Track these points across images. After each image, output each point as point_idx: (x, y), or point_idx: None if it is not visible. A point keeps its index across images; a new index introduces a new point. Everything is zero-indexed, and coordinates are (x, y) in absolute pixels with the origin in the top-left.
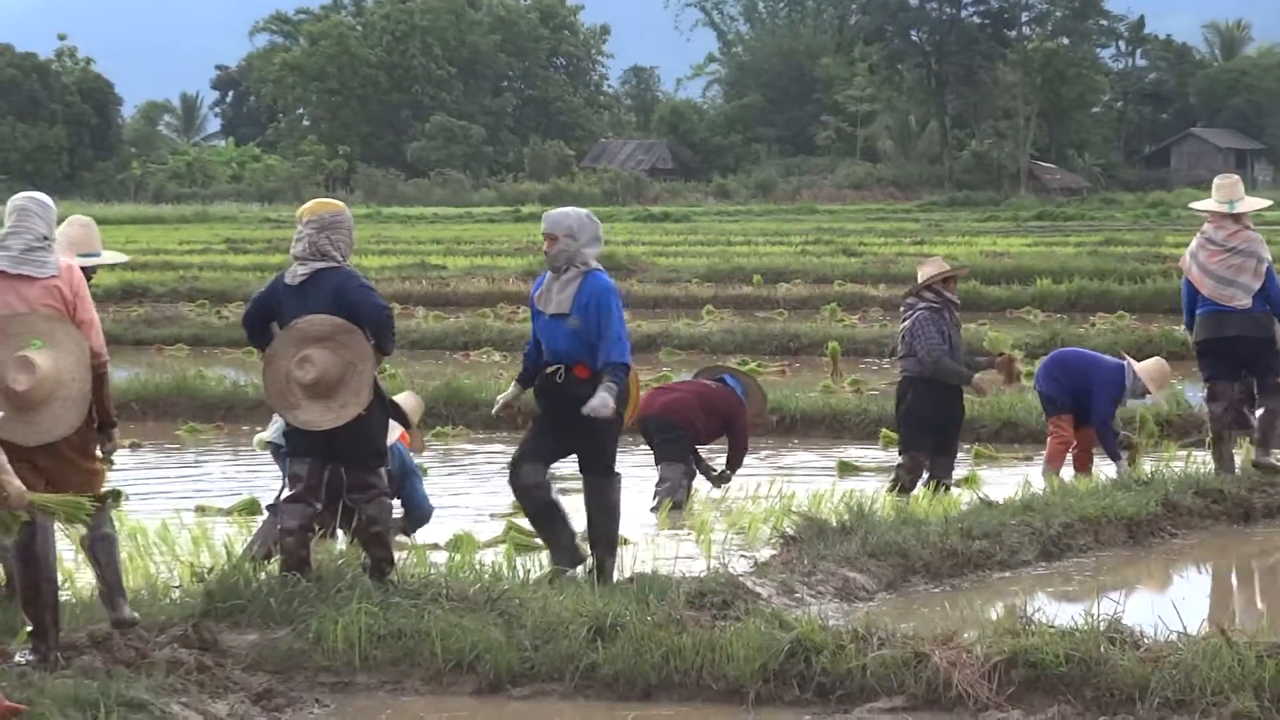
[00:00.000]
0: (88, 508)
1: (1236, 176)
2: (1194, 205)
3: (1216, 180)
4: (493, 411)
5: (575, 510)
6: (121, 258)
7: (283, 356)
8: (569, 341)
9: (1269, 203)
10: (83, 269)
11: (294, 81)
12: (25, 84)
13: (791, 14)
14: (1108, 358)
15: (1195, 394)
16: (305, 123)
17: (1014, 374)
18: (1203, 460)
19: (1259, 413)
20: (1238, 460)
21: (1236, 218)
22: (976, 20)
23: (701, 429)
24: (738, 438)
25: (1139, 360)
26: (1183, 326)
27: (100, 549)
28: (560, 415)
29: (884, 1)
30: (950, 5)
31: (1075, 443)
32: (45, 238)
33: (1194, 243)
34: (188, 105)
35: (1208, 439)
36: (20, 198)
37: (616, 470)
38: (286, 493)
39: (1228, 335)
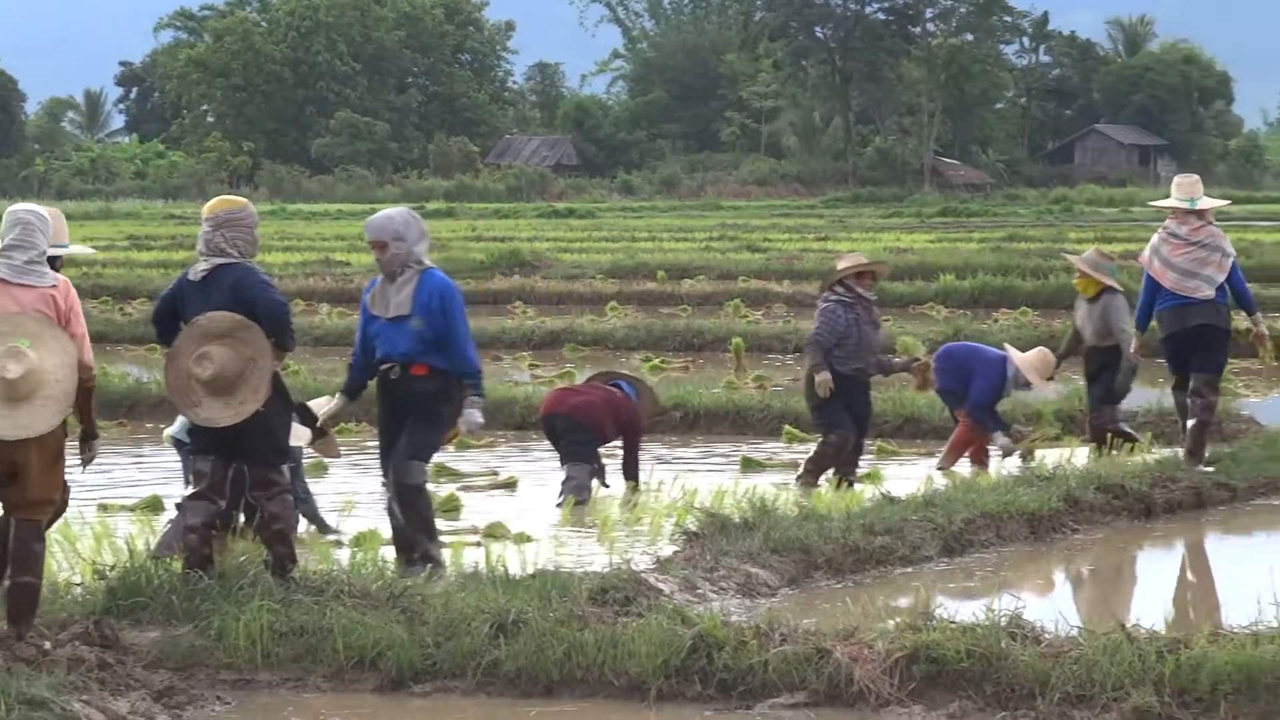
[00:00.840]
0: None
1: (1196, 176)
2: (1156, 202)
3: (1176, 179)
4: (317, 425)
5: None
6: (88, 251)
7: (184, 354)
8: (410, 343)
9: (1227, 201)
10: (49, 259)
11: (198, 78)
12: None
13: (696, 10)
14: (993, 349)
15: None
16: (210, 119)
17: (927, 380)
18: (1097, 455)
19: (1190, 422)
20: (1144, 457)
21: (1200, 213)
22: (881, 17)
23: (608, 433)
24: (634, 440)
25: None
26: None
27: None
28: (397, 410)
29: None
30: (855, 2)
31: (971, 441)
32: (43, 251)
33: (1155, 238)
34: (92, 102)
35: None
36: (23, 211)
37: (421, 462)
38: (190, 490)
39: (1191, 325)
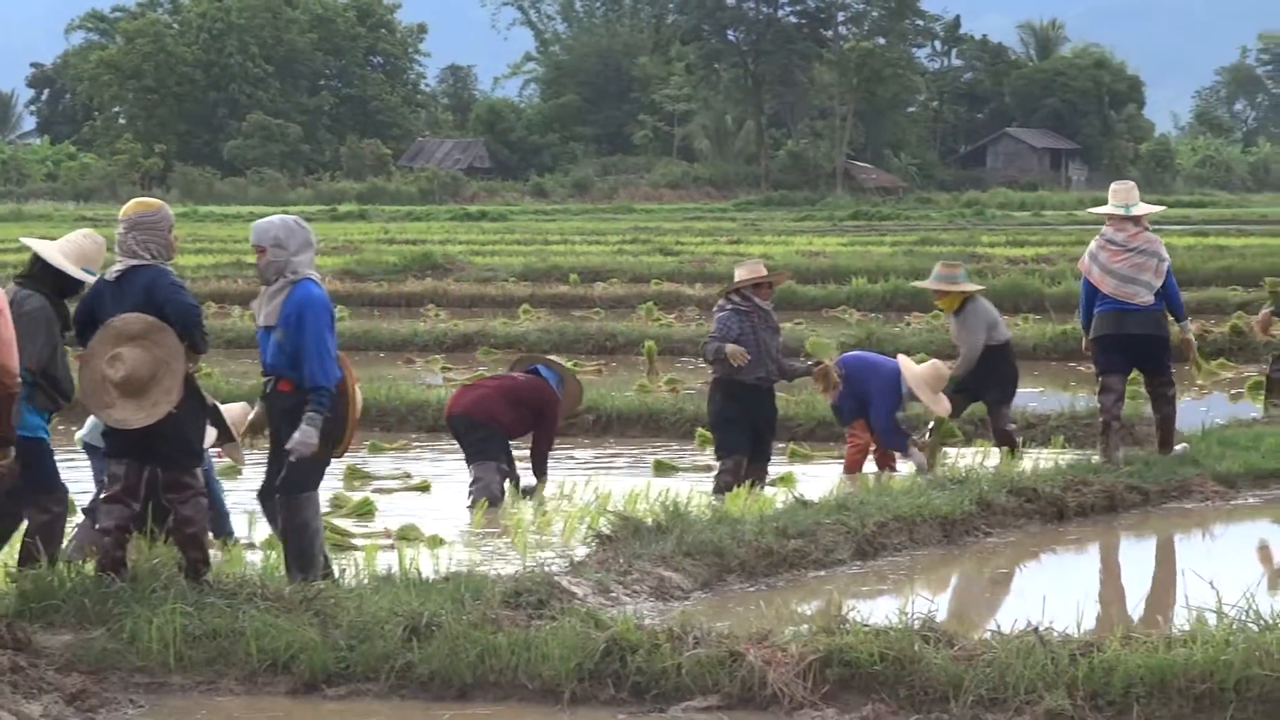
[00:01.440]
0: None
1: (1131, 182)
2: (1094, 209)
3: (1113, 185)
4: (227, 428)
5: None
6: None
7: (97, 355)
8: (275, 354)
9: (1163, 208)
10: (71, 281)
11: (110, 79)
12: None
13: (608, 13)
14: (887, 361)
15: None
16: (121, 121)
17: (831, 382)
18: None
19: (1156, 418)
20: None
21: (1136, 220)
22: (793, 20)
23: (508, 422)
24: (547, 426)
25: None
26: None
27: None
28: (275, 427)
29: (701, 1)
30: (767, 5)
31: (874, 445)
32: None
33: (1093, 244)
34: (1, 103)
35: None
36: None
37: (311, 493)
38: (105, 493)
39: (1128, 332)
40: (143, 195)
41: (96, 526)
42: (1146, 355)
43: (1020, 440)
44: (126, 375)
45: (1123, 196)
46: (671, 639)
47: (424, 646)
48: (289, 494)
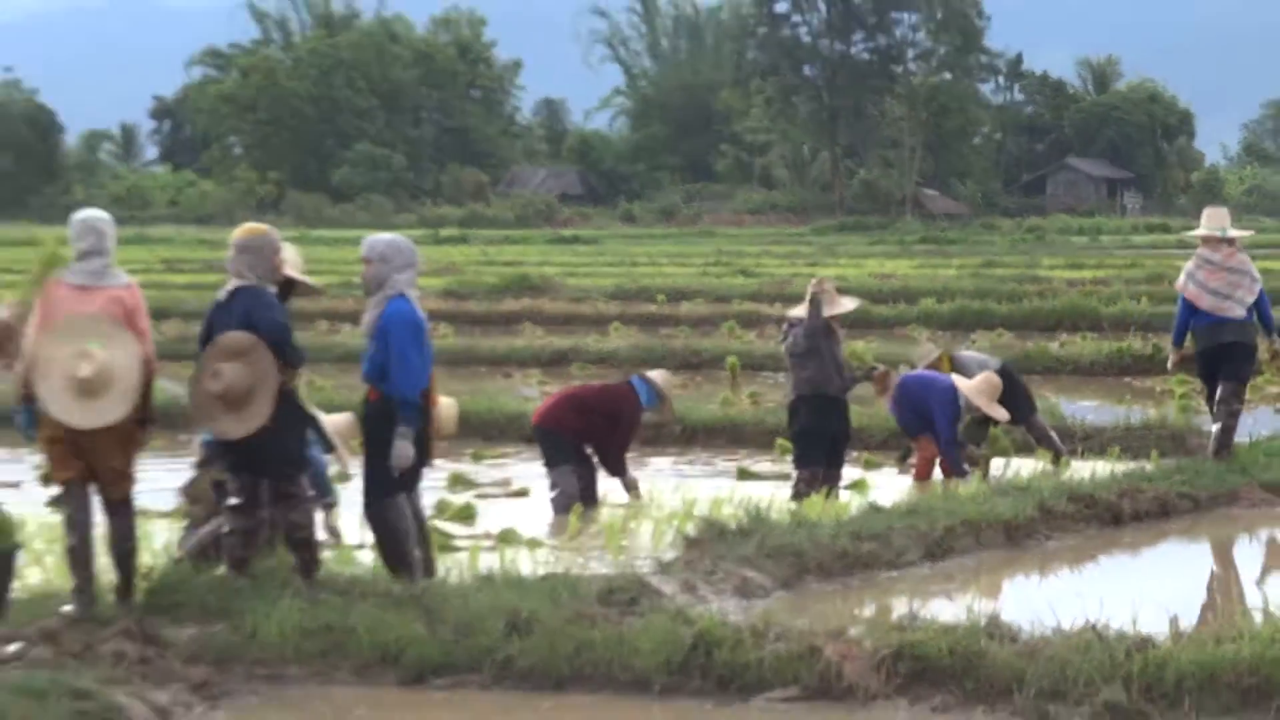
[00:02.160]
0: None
1: (1224, 208)
2: (1191, 232)
3: (1207, 210)
4: (341, 447)
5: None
6: (317, 285)
7: (203, 370)
8: (367, 364)
9: (1251, 232)
10: (285, 283)
11: (227, 112)
12: None
13: (692, 50)
14: (943, 378)
15: (1071, 408)
16: (238, 150)
17: (886, 386)
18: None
19: (1215, 427)
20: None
21: (1230, 241)
22: (865, 57)
23: (577, 428)
24: (619, 431)
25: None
26: (1153, 339)
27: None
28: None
29: (779, 39)
30: (840, 43)
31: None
32: (113, 254)
33: (1190, 265)
34: (127, 134)
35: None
36: (95, 218)
37: (393, 498)
38: (229, 502)
39: (1225, 341)
40: (257, 221)
41: (224, 530)
42: (1231, 360)
43: (1065, 448)
44: (225, 389)
45: (1218, 220)
46: (754, 634)
47: (524, 641)
48: (369, 500)
